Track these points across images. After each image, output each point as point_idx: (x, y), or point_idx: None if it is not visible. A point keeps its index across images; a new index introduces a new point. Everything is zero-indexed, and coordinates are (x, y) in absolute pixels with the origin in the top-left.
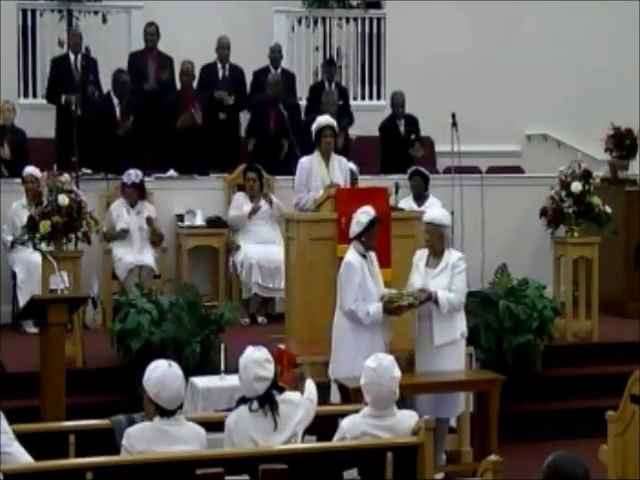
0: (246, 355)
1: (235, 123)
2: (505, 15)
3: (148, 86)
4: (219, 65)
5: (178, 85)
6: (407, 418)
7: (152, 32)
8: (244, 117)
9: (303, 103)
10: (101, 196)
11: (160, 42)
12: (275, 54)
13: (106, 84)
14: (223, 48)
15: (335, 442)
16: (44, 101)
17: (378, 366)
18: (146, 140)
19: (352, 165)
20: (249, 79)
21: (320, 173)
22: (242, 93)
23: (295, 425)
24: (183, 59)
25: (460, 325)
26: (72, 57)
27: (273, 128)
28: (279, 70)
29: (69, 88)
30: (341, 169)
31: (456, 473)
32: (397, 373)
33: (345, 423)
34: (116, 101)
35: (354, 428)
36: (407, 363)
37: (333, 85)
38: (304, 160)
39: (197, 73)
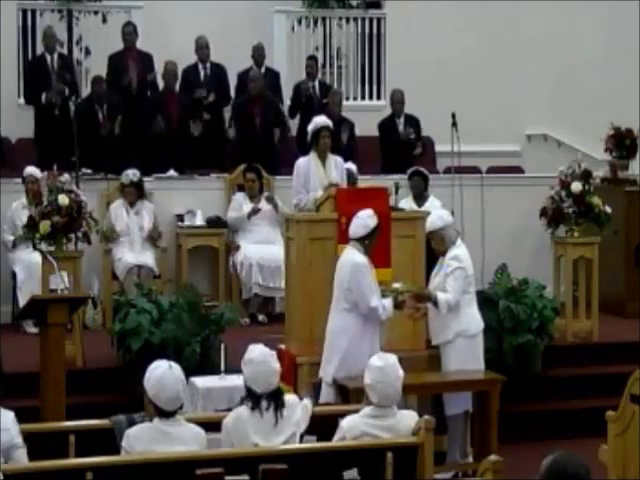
0: (259, 351)
1: (220, 122)
2: (505, 15)
3: (128, 83)
4: (200, 65)
5: (161, 83)
6: (407, 418)
7: (130, 32)
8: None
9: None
10: (101, 196)
11: (159, 42)
12: (258, 52)
13: None
14: (202, 48)
15: (335, 442)
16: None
17: (385, 365)
18: (134, 140)
19: (351, 165)
20: (233, 80)
21: (317, 174)
22: (225, 90)
23: (294, 425)
24: (182, 59)
25: (454, 326)
26: (48, 58)
27: (259, 124)
28: (263, 69)
29: (46, 88)
30: (337, 169)
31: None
32: (401, 372)
33: (345, 423)
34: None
35: (354, 428)
36: (407, 363)
37: (317, 82)
38: (301, 161)
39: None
